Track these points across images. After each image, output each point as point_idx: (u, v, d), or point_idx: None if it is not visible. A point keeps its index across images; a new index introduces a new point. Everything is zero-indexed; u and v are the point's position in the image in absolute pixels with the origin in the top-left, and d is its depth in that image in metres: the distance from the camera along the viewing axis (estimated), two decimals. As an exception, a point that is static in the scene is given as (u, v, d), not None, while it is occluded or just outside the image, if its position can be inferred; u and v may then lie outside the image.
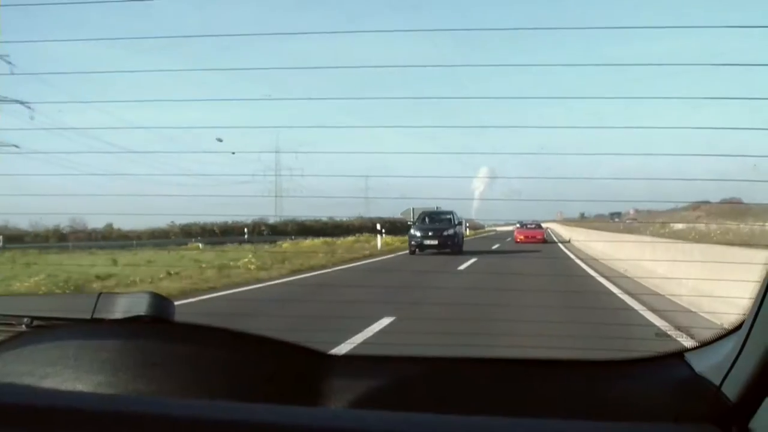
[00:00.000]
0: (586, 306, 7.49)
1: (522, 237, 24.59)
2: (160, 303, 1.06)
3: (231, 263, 13.41)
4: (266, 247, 24.32)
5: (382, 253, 20.15)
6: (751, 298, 0.81)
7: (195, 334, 1.04)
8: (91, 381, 0.91)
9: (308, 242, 25.44)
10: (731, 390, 0.79)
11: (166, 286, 9.47)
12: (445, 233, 18.86)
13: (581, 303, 7.91)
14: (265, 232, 35.95)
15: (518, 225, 27.43)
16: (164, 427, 0.68)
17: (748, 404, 0.74)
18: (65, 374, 0.92)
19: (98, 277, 10.66)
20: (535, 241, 23.84)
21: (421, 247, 18.71)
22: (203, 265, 12.93)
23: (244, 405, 0.74)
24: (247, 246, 24.38)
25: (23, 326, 1.09)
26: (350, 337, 5.44)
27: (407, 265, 15.41)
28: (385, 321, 6.35)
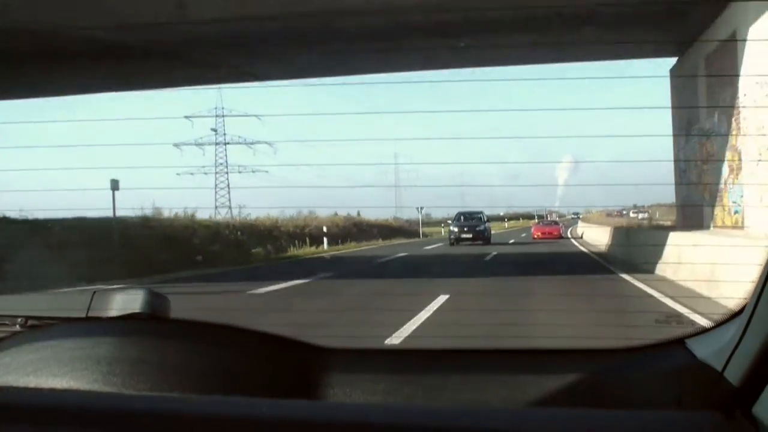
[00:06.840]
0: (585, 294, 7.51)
1: (539, 233, 27.69)
2: (156, 299, 1.04)
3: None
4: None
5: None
6: (753, 282, 0.79)
7: (191, 330, 1.03)
8: (87, 379, 0.90)
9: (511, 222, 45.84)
10: (734, 375, 0.78)
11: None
12: (477, 229, 23.08)
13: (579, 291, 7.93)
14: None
15: (536, 222, 31.25)
16: (162, 424, 0.67)
17: (751, 389, 0.73)
18: (61, 373, 0.91)
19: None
20: (552, 237, 26.68)
21: (459, 240, 22.48)
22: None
23: (242, 399, 0.73)
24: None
25: (17, 326, 1.08)
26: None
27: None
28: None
